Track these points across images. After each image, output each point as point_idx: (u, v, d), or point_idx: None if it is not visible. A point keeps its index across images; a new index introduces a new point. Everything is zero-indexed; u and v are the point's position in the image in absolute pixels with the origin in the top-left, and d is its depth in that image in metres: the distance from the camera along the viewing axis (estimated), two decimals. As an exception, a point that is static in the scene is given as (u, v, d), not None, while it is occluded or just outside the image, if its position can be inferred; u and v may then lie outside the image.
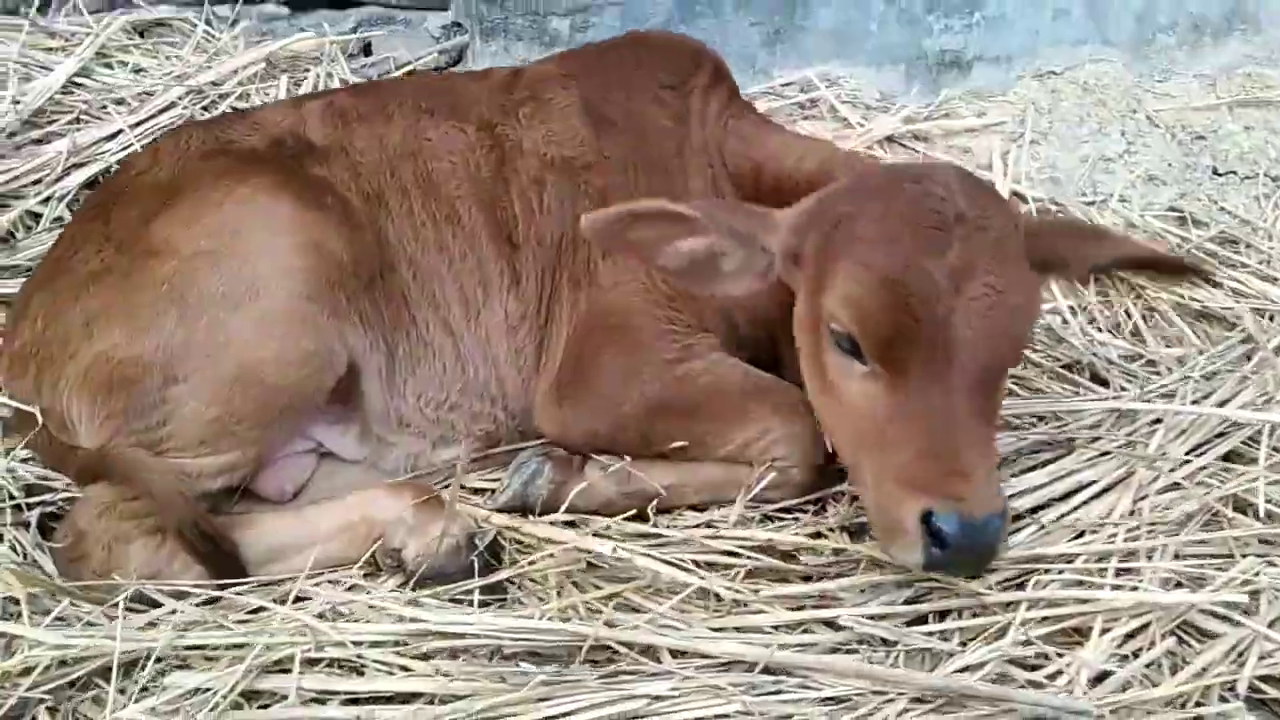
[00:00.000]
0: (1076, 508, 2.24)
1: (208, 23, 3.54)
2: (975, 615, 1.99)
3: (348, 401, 2.32)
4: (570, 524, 2.25)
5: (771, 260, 2.06)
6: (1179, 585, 2.06)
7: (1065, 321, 2.97)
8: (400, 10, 3.83)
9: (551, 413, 2.37)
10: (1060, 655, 1.92)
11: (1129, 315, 3.06)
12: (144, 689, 1.79)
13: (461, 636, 1.83)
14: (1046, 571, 2.08)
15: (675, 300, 2.38)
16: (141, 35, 3.50)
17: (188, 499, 2.03)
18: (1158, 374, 2.74)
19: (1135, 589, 2.00)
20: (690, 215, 2.02)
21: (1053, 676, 1.90)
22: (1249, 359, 2.71)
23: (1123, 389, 2.65)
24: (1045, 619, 1.99)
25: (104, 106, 3.19)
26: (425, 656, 1.85)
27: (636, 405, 2.29)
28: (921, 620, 2.00)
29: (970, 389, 1.82)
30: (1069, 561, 2.08)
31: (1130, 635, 1.98)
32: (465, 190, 2.40)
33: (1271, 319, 2.96)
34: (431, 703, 1.75)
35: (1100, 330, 2.97)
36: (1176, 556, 2.11)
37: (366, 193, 2.36)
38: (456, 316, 2.38)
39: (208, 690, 1.77)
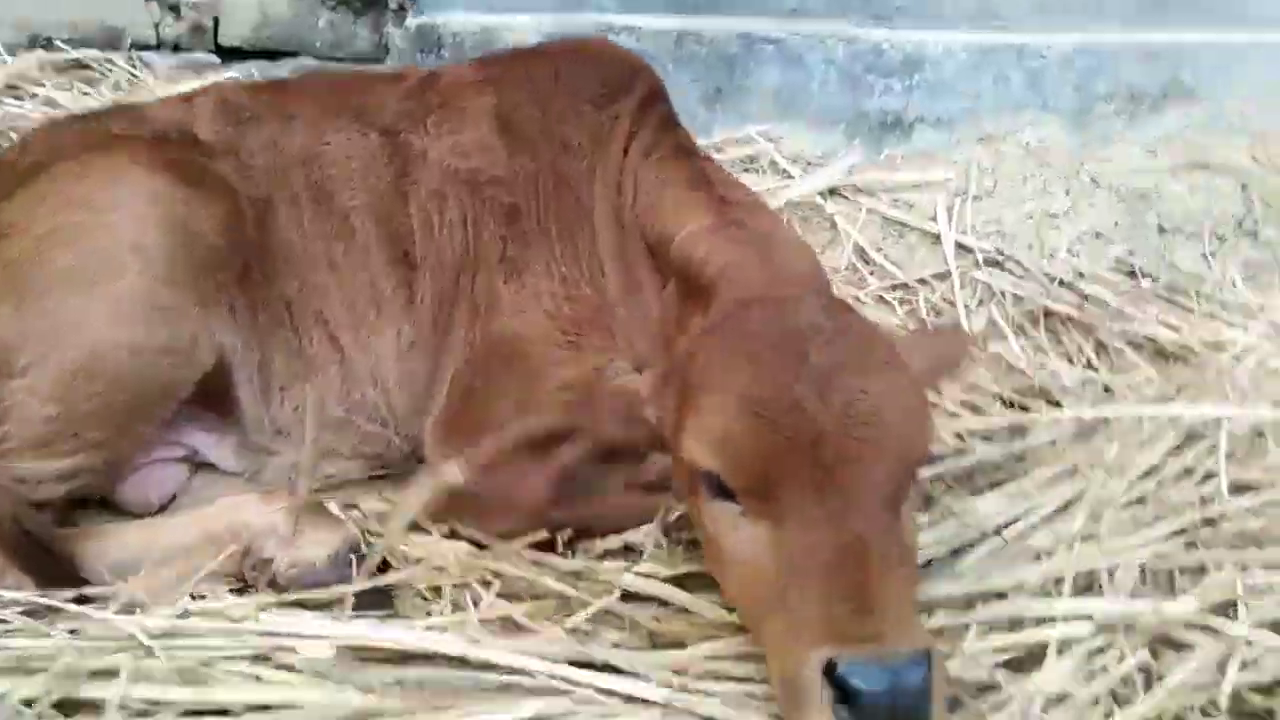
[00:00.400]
0: (1035, 526, 2.04)
1: (131, 64, 3.44)
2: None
3: (222, 409, 2.09)
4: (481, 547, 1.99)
5: (657, 431, 1.78)
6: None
7: (1018, 354, 2.84)
8: (335, 63, 3.76)
9: (440, 449, 2.13)
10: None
11: (1081, 350, 2.93)
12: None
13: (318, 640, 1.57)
14: (1000, 597, 1.86)
15: (581, 327, 2.17)
16: (58, 73, 3.38)
17: (12, 496, 1.78)
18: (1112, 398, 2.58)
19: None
20: (564, 431, 1.81)
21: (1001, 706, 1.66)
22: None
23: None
24: (997, 648, 1.75)
25: (8, 135, 3.03)
26: (285, 667, 1.58)
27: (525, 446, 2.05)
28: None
29: (868, 510, 1.52)
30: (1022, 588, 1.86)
31: (1097, 651, 1.75)
32: (360, 201, 2.21)
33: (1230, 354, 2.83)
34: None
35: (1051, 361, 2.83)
36: (1142, 570, 1.91)
37: (253, 198, 2.16)
38: (345, 337, 2.16)
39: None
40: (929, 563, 1.91)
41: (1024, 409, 2.57)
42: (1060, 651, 1.71)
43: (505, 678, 1.58)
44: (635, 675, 1.62)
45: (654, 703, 1.54)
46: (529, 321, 2.15)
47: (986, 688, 1.67)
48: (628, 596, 1.85)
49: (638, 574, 1.86)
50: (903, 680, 1.37)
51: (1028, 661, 1.73)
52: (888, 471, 1.54)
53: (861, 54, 3.80)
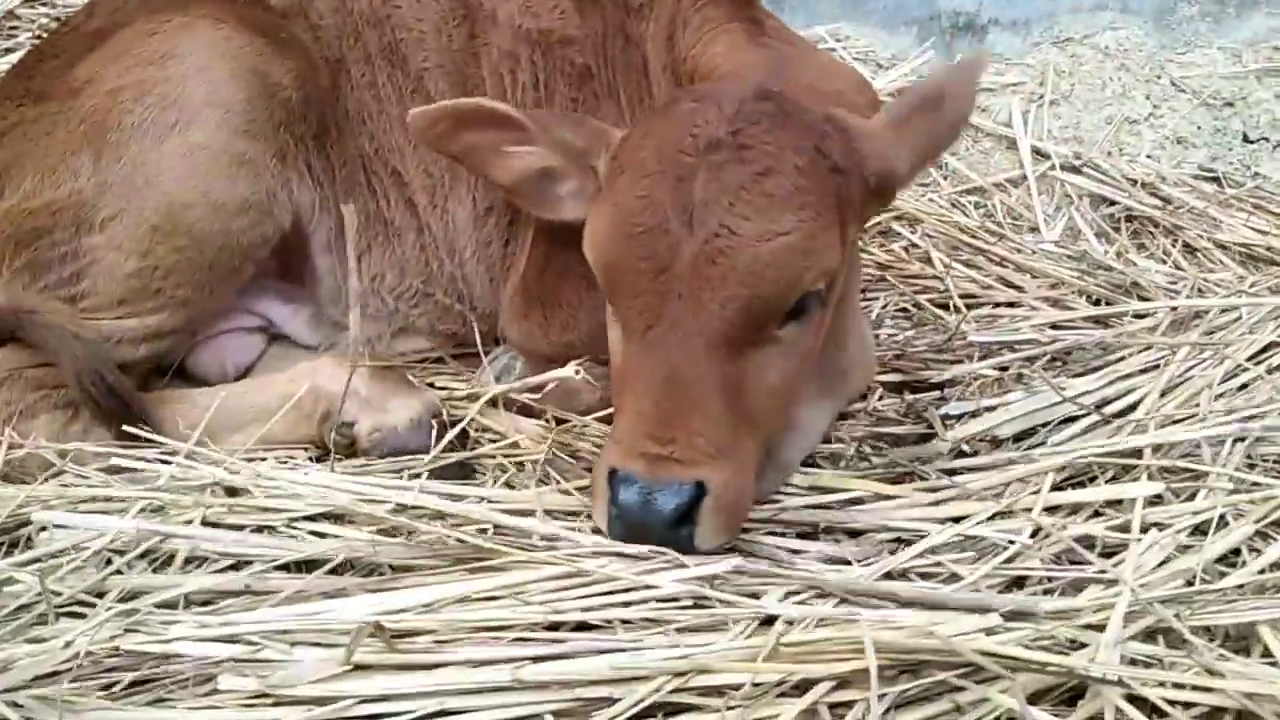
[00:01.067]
0: (1126, 411, 1.96)
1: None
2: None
3: (298, 277, 2.04)
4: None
5: (600, 185, 1.71)
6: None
7: (1106, 252, 2.73)
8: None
9: (518, 323, 2.08)
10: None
11: (1167, 254, 2.83)
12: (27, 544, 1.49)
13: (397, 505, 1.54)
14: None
15: None
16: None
17: (85, 342, 1.74)
18: (1206, 296, 2.48)
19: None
20: (520, 121, 1.73)
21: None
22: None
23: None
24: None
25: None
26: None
27: (602, 319, 2.00)
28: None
29: (695, 344, 1.51)
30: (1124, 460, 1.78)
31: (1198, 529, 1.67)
32: (433, 62, 2.14)
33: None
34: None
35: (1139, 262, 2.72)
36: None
37: (326, 58, 2.10)
38: (421, 201, 2.11)
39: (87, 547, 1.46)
40: (1026, 433, 1.85)
41: (1111, 304, 2.48)
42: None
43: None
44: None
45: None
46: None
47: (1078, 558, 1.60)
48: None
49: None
50: (656, 502, 1.47)
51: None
52: (727, 312, 1.52)
53: (935, -44, 3.66)
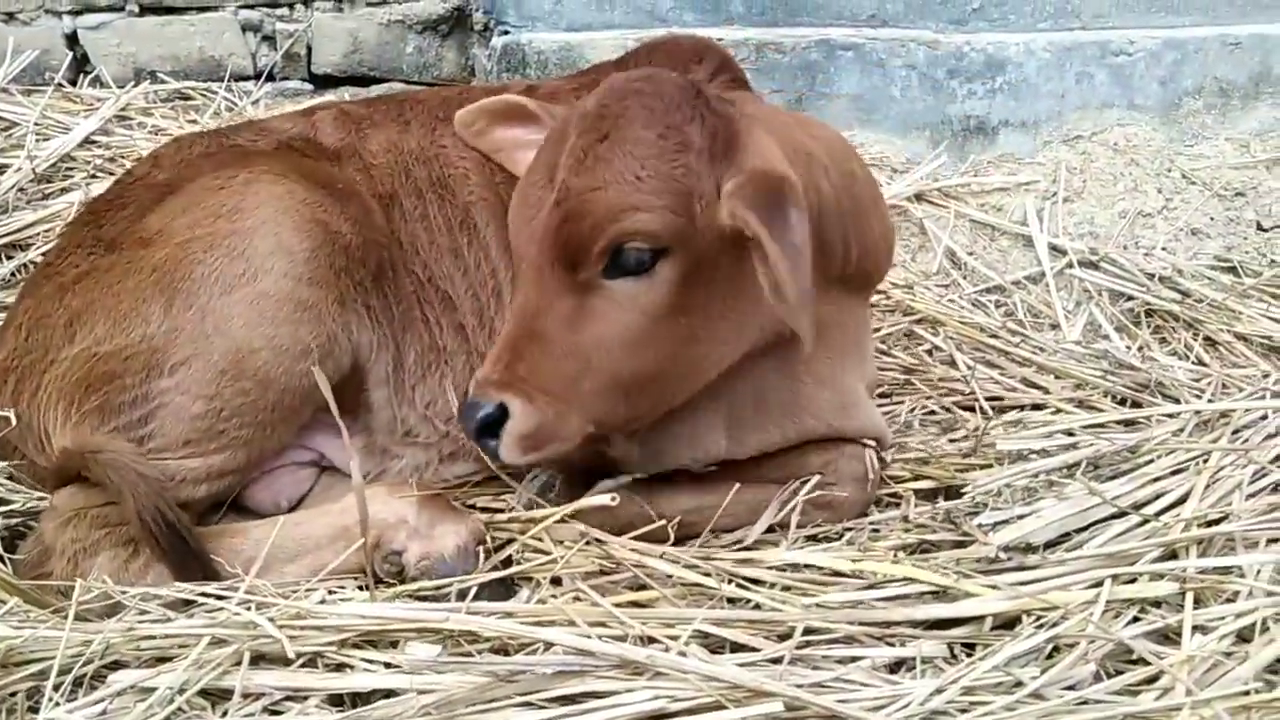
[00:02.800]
0: (1162, 511, 1.99)
1: (230, 93, 3.56)
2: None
3: (352, 409, 2.13)
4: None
5: None
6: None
7: (1124, 351, 2.78)
8: (423, 86, 3.85)
9: None
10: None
11: (1189, 348, 2.87)
12: (90, 687, 1.54)
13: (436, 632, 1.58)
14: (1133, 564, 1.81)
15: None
16: (164, 103, 3.52)
17: (149, 480, 1.82)
18: (1231, 393, 2.52)
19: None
20: (536, 113, 2.00)
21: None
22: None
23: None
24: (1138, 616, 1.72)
25: (120, 162, 3.16)
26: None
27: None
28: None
29: (536, 284, 1.79)
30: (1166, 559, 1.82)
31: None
32: (478, 195, 2.27)
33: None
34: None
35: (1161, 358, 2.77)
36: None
37: (379, 194, 2.23)
38: (470, 323, 2.21)
39: (154, 690, 1.51)
40: (1065, 536, 1.88)
41: (1137, 405, 2.52)
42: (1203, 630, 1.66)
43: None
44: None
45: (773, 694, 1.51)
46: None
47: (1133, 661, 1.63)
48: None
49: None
50: (471, 414, 1.79)
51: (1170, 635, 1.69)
52: (547, 248, 1.77)
53: (942, 58, 3.79)
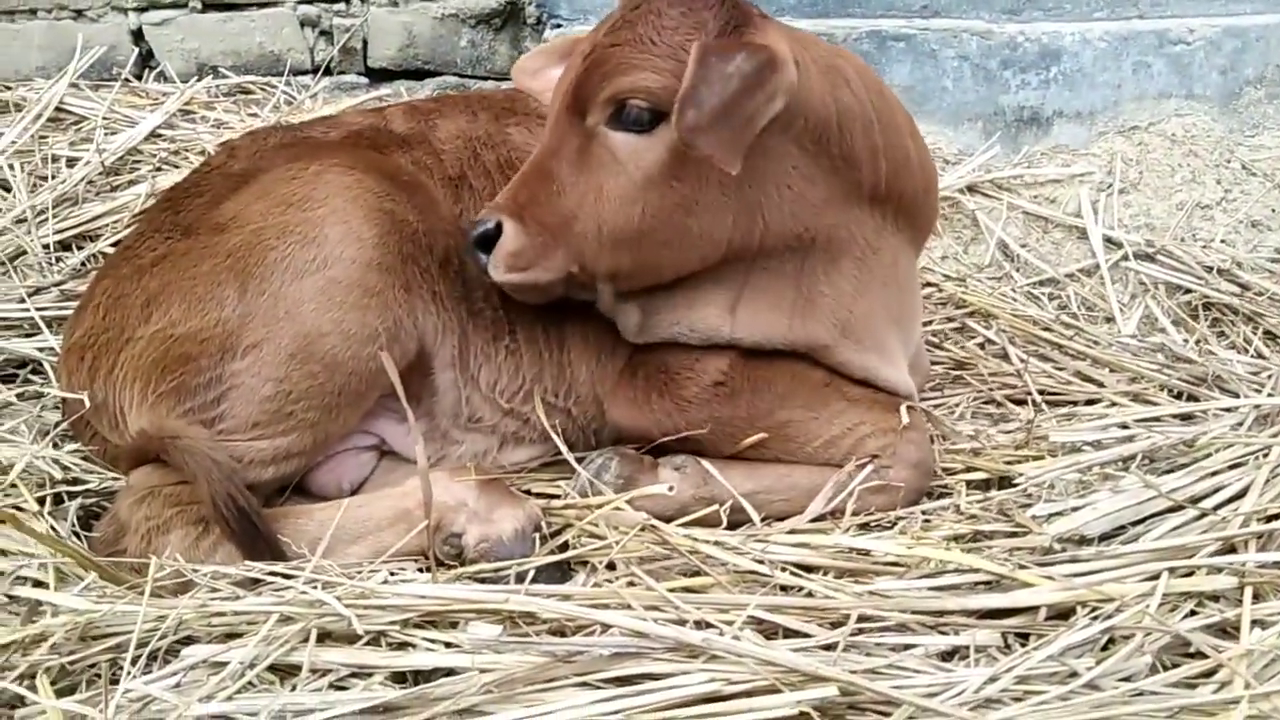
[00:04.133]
0: (1220, 505, 1.97)
1: (288, 85, 3.64)
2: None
3: (417, 394, 2.18)
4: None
5: None
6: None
7: (1181, 345, 2.75)
8: (476, 80, 3.90)
9: (623, 393, 2.21)
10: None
11: (1248, 341, 2.83)
12: (164, 660, 1.60)
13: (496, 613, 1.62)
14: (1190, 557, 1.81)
15: None
16: (225, 97, 3.60)
17: (223, 466, 1.87)
18: (1292, 387, 2.48)
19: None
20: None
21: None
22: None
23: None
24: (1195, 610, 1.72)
25: (185, 155, 3.24)
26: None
27: (710, 379, 2.13)
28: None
29: (555, 128, 2.03)
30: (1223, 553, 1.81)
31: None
32: None
33: None
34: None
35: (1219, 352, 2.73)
36: (1345, 552, 1.83)
37: (449, 175, 2.29)
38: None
39: (225, 664, 1.57)
40: (1120, 529, 1.88)
41: (1194, 399, 2.49)
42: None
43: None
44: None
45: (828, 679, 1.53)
46: None
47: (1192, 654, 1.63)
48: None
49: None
50: (472, 229, 2.04)
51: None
52: (574, 103, 2.00)
53: (996, 48, 3.76)
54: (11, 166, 3.12)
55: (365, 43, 3.81)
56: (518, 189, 2.03)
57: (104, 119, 3.30)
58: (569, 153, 2.01)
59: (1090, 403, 2.59)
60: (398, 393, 1.89)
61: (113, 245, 2.96)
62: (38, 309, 2.62)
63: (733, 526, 2.08)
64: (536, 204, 2.01)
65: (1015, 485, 2.17)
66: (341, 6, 3.77)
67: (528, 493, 2.24)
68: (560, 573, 1.89)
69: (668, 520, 2.01)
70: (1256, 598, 1.74)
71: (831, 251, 2.14)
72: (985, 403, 2.65)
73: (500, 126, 2.37)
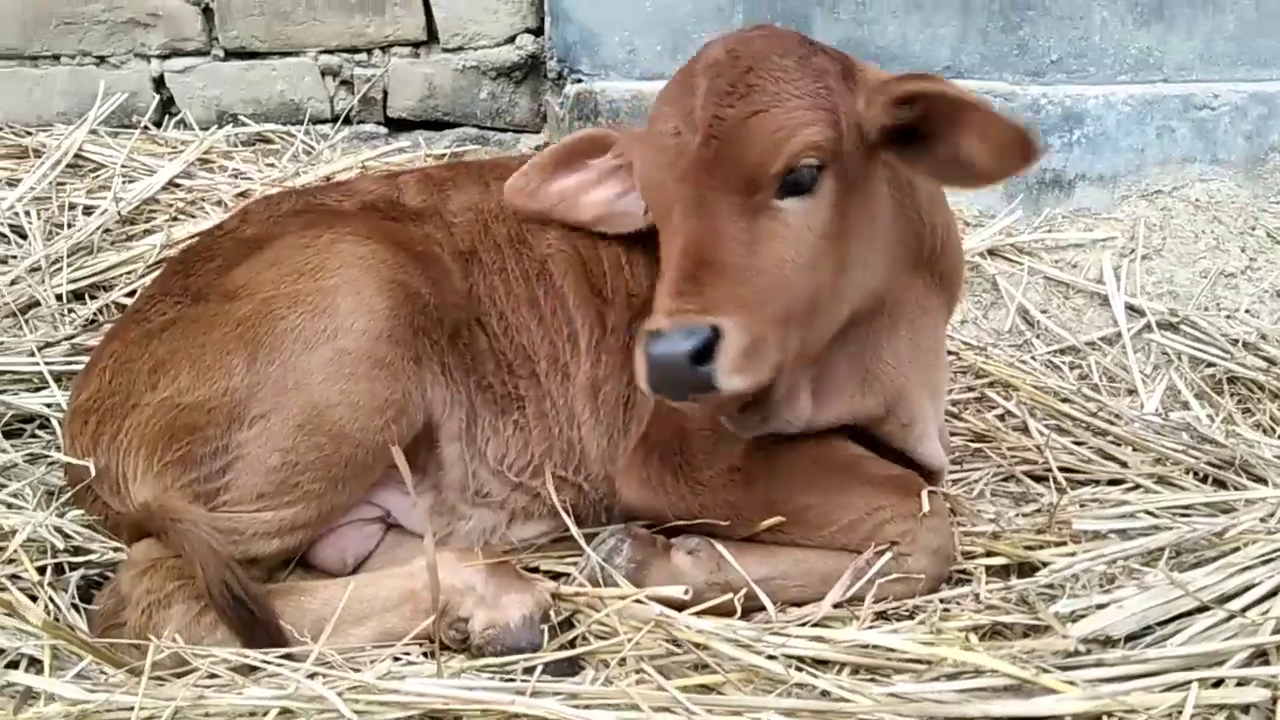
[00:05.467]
0: (1250, 606, 1.91)
1: (307, 134, 3.64)
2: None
3: (424, 466, 2.15)
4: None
5: None
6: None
7: (1205, 423, 2.69)
8: (495, 132, 3.90)
9: (636, 473, 2.17)
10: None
11: (1275, 420, 2.77)
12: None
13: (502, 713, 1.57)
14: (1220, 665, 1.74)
15: None
16: (244, 146, 3.60)
17: (220, 555, 1.84)
18: (1321, 473, 2.43)
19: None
20: (604, 136, 2.11)
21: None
22: None
23: (1284, 486, 2.34)
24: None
25: (201, 205, 3.24)
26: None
27: (727, 464, 2.08)
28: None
29: (711, 213, 1.79)
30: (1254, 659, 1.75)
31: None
32: (555, 248, 2.30)
33: None
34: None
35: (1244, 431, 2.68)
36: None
37: (460, 250, 2.27)
38: (545, 370, 2.23)
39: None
40: (1147, 629, 1.82)
41: (1221, 484, 2.44)
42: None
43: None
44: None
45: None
46: None
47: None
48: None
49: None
50: (677, 345, 1.69)
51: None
52: (725, 177, 1.79)
53: (1019, 110, 3.73)
54: (28, 213, 3.12)
55: (386, 93, 3.81)
56: (694, 289, 1.73)
57: (122, 167, 3.31)
58: (737, 235, 1.77)
59: (1113, 483, 2.53)
60: (405, 479, 1.84)
61: (127, 295, 2.96)
62: (47, 363, 2.61)
63: (747, 612, 2.03)
64: (730, 297, 1.74)
65: (1037, 573, 2.11)
66: (363, 57, 3.78)
67: (537, 569, 2.20)
68: (569, 665, 1.84)
69: (681, 607, 1.97)
70: (1289, 710, 1.68)
71: (894, 317, 2.13)
72: (1005, 479, 2.60)
73: None
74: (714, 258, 1.76)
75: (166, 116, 3.72)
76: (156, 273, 2.88)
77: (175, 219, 3.21)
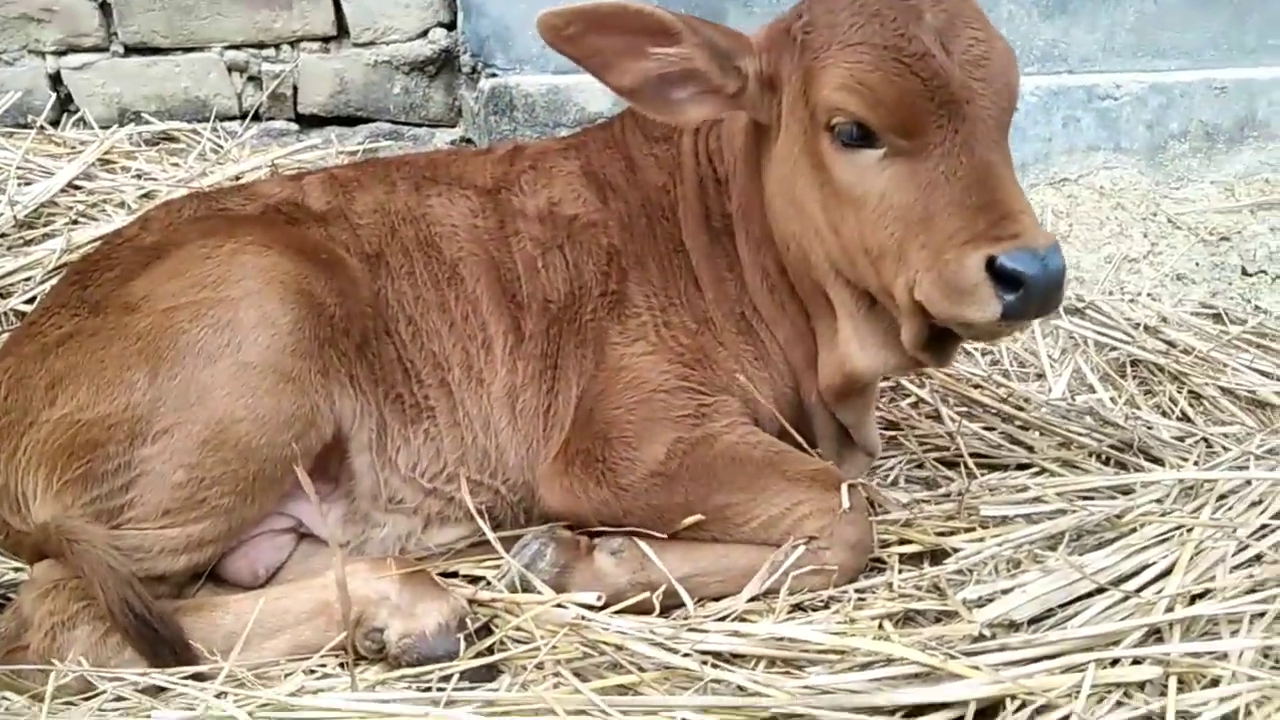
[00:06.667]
0: (1145, 585, 1.98)
1: (216, 134, 3.55)
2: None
3: (335, 477, 2.12)
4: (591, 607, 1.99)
5: (744, 85, 2.01)
6: (1277, 664, 1.79)
7: (1109, 406, 2.78)
8: (409, 127, 3.85)
9: (558, 480, 2.16)
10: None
11: (1174, 402, 2.87)
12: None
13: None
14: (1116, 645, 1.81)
15: (688, 357, 2.21)
16: (148, 145, 3.50)
17: (119, 574, 1.80)
18: (1215, 453, 2.52)
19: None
20: (671, 24, 1.94)
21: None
22: (1313, 435, 2.50)
23: (1178, 466, 2.42)
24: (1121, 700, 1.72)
25: (103, 208, 3.14)
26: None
27: (648, 469, 2.09)
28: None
29: (988, 137, 1.82)
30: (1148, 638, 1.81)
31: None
32: (467, 251, 2.28)
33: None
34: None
35: (1145, 413, 2.77)
36: (1266, 633, 1.85)
37: (366, 253, 2.23)
38: (457, 378, 2.21)
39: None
40: (1048, 614, 1.87)
41: (1122, 466, 2.52)
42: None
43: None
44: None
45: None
46: (638, 350, 2.20)
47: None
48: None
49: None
50: (1050, 264, 1.73)
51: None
52: (999, 106, 1.84)
53: (930, 102, 3.80)
54: (-82, 219, 3.00)
55: (295, 89, 3.74)
56: (1025, 211, 1.78)
57: (18, 169, 3.19)
58: (1009, 152, 1.89)
59: (1021, 467, 2.60)
60: (310, 497, 1.81)
61: (26, 303, 2.86)
62: (-60, 377, 2.50)
63: (668, 609, 2.05)
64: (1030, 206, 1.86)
65: (949, 558, 2.17)
66: (271, 52, 3.69)
67: (456, 574, 2.19)
68: (487, 672, 1.83)
69: (603, 606, 1.98)
70: (1181, 685, 1.75)
71: None
72: (917, 466, 2.66)
73: (420, 198, 2.31)
74: (1012, 183, 1.82)
75: (65, 115, 3.60)
76: (55, 280, 2.83)
77: (76, 222, 3.11)
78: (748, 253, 2.25)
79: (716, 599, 2.11)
